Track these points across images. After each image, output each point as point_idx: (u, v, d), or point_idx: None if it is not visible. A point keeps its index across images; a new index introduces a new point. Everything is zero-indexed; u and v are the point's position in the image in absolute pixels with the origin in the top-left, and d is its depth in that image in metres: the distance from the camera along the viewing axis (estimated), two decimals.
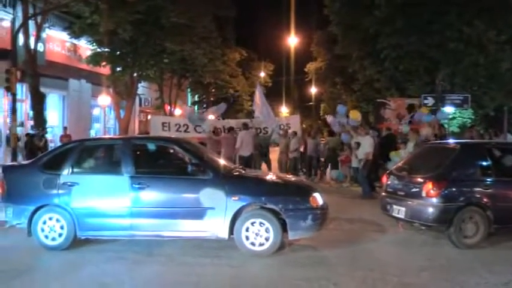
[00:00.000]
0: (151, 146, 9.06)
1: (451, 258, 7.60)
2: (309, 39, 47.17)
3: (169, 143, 9.06)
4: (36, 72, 19.90)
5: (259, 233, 7.53)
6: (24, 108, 23.36)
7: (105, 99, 27.60)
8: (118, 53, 24.91)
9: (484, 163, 8.49)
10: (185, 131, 19.09)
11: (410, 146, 13.70)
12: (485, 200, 8.17)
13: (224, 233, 7.57)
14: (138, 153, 8.44)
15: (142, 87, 33.17)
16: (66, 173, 7.96)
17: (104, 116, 31.53)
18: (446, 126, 23.17)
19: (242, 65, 45.10)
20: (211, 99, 46.26)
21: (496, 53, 19.99)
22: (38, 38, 20.59)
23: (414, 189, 8.57)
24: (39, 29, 20.58)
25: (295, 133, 18.52)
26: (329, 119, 19.63)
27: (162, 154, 9.12)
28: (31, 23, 20.17)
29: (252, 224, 7.54)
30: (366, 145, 14.41)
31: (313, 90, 57.80)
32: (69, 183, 7.86)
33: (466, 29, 19.81)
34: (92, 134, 29.48)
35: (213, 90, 44.01)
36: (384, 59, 22.98)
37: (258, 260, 7.34)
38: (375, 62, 24.56)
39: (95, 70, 26.71)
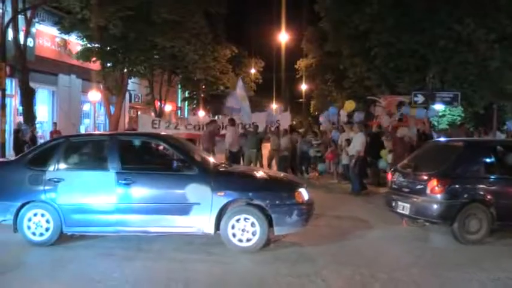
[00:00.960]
0: (138, 142, 9.09)
1: (440, 254, 7.65)
2: (299, 36, 47.15)
3: (155, 139, 9.14)
4: (26, 68, 19.78)
5: (245, 229, 7.53)
6: (14, 103, 23.24)
7: (95, 95, 27.50)
8: (108, 48, 24.81)
9: (488, 161, 8.69)
10: (175, 127, 19.11)
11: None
12: (488, 197, 8.33)
13: (210, 229, 7.58)
14: (124, 149, 8.34)
15: (132, 83, 33.07)
16: (51, 169, 7.95)
17: (94, 111, 31.42)
18: (436, 123, 23.35)
19: (233, 62, 45.01)
20: (202, 95, 46.21)
21: (485, 52, 20.08)
22: (28, 33, 20.45)
23: (419, 186, 8.72)
24: (29, 23, 20.44)
25: (286, 131, 18.49)
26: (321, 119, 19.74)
27: (148, 150, 9.16)
28: (21, 18, 20.03)
29: (238, 220, 7.55)
30: (358, 142, 14.44)
31: (304, 87, 57.81)
32: (55, 179, 7.84)
33: (456, 27, 19.88)
34: (82, 129, 29.39)
35: (204, 86, 43.94)
36: (374, 56, 23.02)
37: (248, 257, 7.33)
38: (365, 59, 24.60)
39: (85, 66, 26.62)
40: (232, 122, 17.23)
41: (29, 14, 20.43)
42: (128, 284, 6.21)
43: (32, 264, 7.19)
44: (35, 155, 8.34)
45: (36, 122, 20.50)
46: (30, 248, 7.79)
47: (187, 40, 27.80)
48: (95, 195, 7.80)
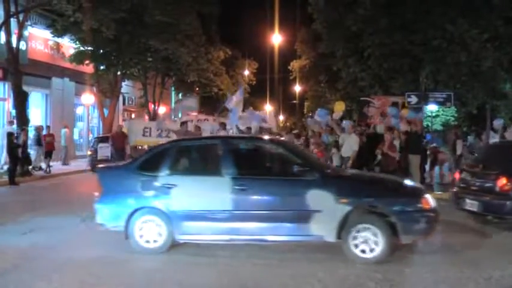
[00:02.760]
0: (252, 146, 8.71)
1: (433, 254, 7.66)
2: (293, 37, 47.19)
3: (272, 142, 8.71)
4: (19, 71, 19.72)
5: (368, 238, 7.10)
6: (7, 107, 23.17)
7: (88, 98, 27.49)
8: (101, 51, 24.82)
9: None
10: (167, 135, 19.04)
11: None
12: None
13: (331, 237, 7.20)
14: (238, 153, 8.06)
15: (126, 86, 33.06)
16: (164, 175, 7.70)
17: (87, 114, 31.36)
18: (429, 123, 23.41)
19: (226, 63, 44.98)
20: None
21: (478, 52, 20.17)
22: (20, 36, 20.39)
23: (488, 184, 9.14)
24: (21, 27, 20.37)
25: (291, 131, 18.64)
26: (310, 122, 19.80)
27: (264, 154, 8.60)
28: (13, 21, 19.96)
29: (361, 229, 7.12)
30: (352, 143, 14.45)
31: (298, 88, 57.82)
32: (167, 185, 7.58)
33: (448, 27, 19.96)
34: (76, 133, 29.37)
35: (197, 88, 43.90)
36: (367, 57, 23.09)
37: (244, 260, 7.32)
38: (359, 60, 24.67)
39: (78, 68, 26.60)
40: (223, 125, 17.25)
41: (21, 17, 20.37)
42: (123, 285, 6.19)
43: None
44: (146, 160, 8.15)
45: (29, 126, 20.45)
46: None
47: (181, 42, 27.82)
48: (209, 201, 7.49)
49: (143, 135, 19.56)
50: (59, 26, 23.82)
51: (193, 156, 8.49)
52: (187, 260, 7.24)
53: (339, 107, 17.61)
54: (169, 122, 19.81)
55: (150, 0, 24.13)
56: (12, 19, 19.81)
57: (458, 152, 16.14)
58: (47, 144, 20.90)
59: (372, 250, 7.07)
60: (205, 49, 35.23)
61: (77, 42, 24.92)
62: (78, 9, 21.82)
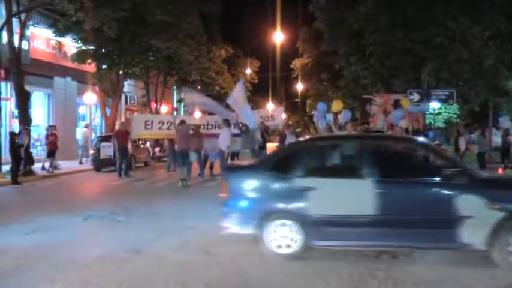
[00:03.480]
0: (394, 146, 8.12)
1: (436, 252, 7.63)
2: (295, 36, 47.27)
3: (415, 143, 8.23)
4: (21, 71, 19.72)
5: None
6: (9, 106, 23.20)
7: (91, 97, 27.49)
8: (103, 50, 24.83)
9: None
10: (168, 128, 19.03)
11: None
12: None
13: (482, 245, 6.69)
14: (379, 154, 7.54)
15: (128, 85, 33.12)
16: (299, 176, 7.25)
17: (89, 114, 31.35)
18: (431, 121, 23.40)
19: (228, 62, 45.02)
20: None
21: (480, 49, 20.14)
22: (22, 36, 20.40)
23: None
24: (23, 26, 20.38)
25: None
26: (315, 117, 19.74)
27: (407, 155, 7.92)
28: (15, 21, 19.97)
29: None
30: None
31: (300, 86, 57.85)
32: (303, 188, 7.11)
33: (450, 24, 19.93)
34: (78, 132, 29.37)
35: (199, 87, 43.93)
36: (369, 55, 23.07)
37: (247, 257, 7.30)
38: (361, 58, 24.66)
39: (80, 68, 26.65)
40: (227, 123, 17.25)
41: (23, 16, 20.38)
42: (125, 284, 6.20)
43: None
44: (278, 160, 7.80)
45: (32, 125, 20.48)
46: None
47: (183, 41, 27.83)
48: (349, 206, 7.01)
49: (145, 128, 19.58)
50: (60, 25, 23.85)
51: (331, 156, 8.04)
52: (188, 259, 7.23)
53: (337, 106, 17.59)
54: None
55: None
56: (14, 19, 19.82)
57: (462, 148, 16.13)
58: (50, 144, 20.93)
59: None
60: (207, 48, 35.28)
61: (79, 42, 24.94)
62: (79, 8, 21.84)
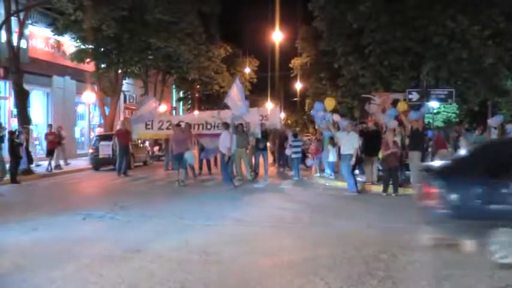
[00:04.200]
0: None
1: (436, 251, 7.65)
2: (294, 35, 47.19)
3: None
4: (20, 69, 19.70)
5: None
6: (8, 105, 23.19)
7: (89, 96, 27.49)
8: (102, 49, 24.83)
9: None
10: (167, 128, 19.00)
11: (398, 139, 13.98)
12: None
13: None
14: None
15: (127, 84, 33.13)
16: None
17: (88, 113, 31.38)
18: (430, 120, 23.39)
19: (227, 61, 45.04)
20: (197, 95, 46.19)
21: (479, 48, 20.15)
22: (21, 35, 20.38)
23: None
24: (22, 25, 20.36)
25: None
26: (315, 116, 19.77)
27: None
28: (14, 20, 19.95)
29: None
30: (353, 140, 14.46)
31: (299, 85, 57.78)
32: None
33: (449, 24, 19.93)
34: (77, 131, 29.40)
35: (198, 86, 43.98)
36: (368, 54, 23.06)
37: (246, 257, 7.32)
38: (359, 57, 24.64)
39: (79, 67, 26.62)
40: (226, 126, 17.20)
41: (22, 15, 20.37)
42: (124, 283, 6.20)
43: None
44: (491, 163, 7.14)
45: (31, 124, 20.47)
46: None
47: (182, 40, 27.82)
48: None
49: (146, 128, 19.55)
50: (59, 24, 23.84)
51: None
52: (188, 259, 7.23)
53: (330, 104, 17.61)
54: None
55: None
56: (12, 18, 19.81)
57: (464, 148, 16.08)
58: (49, 143, 20.92)
59: None
60: (206, 47, 35.26)
61: (78, 41, 24.92)
62: (78, 7, 21.85)
